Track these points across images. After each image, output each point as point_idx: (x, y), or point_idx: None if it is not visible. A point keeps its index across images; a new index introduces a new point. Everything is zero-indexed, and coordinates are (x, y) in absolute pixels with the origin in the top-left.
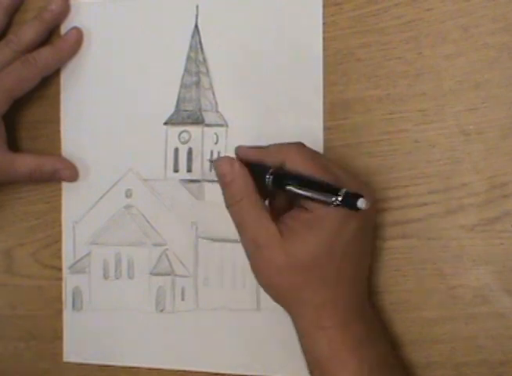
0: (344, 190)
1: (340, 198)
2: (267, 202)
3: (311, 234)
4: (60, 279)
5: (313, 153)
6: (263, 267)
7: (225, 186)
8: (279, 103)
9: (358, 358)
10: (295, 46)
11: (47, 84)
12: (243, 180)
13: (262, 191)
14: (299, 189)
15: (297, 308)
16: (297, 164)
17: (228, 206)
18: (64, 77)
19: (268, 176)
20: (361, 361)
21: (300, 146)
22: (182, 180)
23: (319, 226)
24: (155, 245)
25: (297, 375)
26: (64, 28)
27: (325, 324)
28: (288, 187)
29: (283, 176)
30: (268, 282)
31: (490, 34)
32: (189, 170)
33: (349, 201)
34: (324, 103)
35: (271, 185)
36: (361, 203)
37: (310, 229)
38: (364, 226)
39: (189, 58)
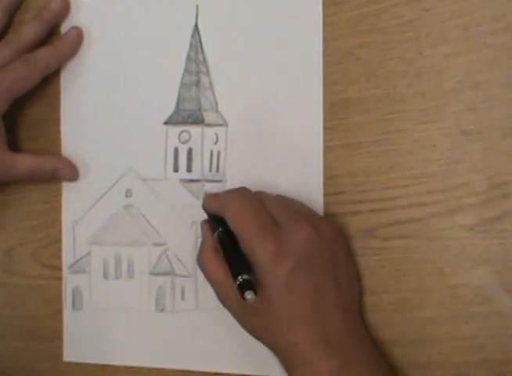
0: (240, 279)
1: (237, 283)
2: None
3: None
4: (60, 278)
5: (248, 206)
6: (232, 313)
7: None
8: (279, 102)
9: None
10: (295, 46)
11: (47, 84)
12: (203, 236)
13: None
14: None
15: (270, 348)
16: (231, 217)
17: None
18: (64, 76)
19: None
20: None
21: (236, 194)
22: (181, 180)
23: (257, 270)
24: (155, 245)
25: None
26: (64, 28)
27: (294, 363)
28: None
29: (222, 239)
30: (240, 324)
31: (490, 34)
32: (189, 170)
33: (240, 291)
34: (324, 103)
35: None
36: (247, 295)
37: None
38: (306, 262)
39: (188, 57)
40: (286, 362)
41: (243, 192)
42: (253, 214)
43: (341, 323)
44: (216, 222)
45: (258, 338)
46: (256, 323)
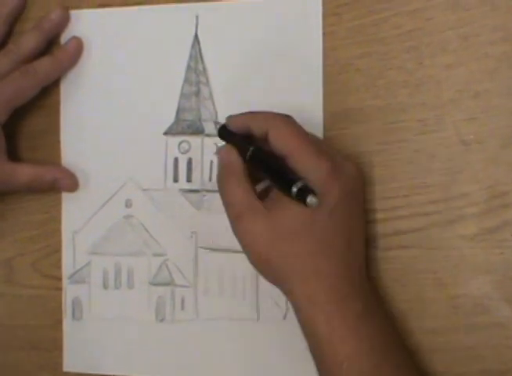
0: (299, 184)
1: (294, 190)
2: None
3: (291, 206)
4: (60, 289)
5: (298, 128)
6: (249, 241)
7: (218, 167)
8: (279, 112)
9: (357, 335)
10: (295, 56)
11: (47, 94)
12: (230, 159)
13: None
14: (266, 176)
15: (290, 282)
16: (279, 137)
17: (217, 183)
18: (64, 86)
19: (247, 156)
20: (361, 339)
21: (286, 118)
22: (181, 190)
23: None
24: (155, 255)
25: None
26: (64, 38)
27: (319, 299)
28: (251, 156)
29: (257, 157)
30: (256, 256)
31: (490, 44)
32: (189, 180)
33: (301, 196)
34: (324, 113)
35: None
36: (310, 200)
37: (291, 201)
38: (346, 201)
39: (188, 68)
40: (307, 298)
41: (291, 117)
42: (307, 137)
43: (362, 268)
44: (244, 143)
45: (281, 270)
46: (286, 249)
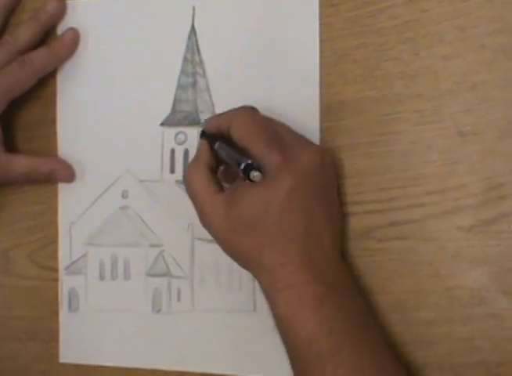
0: (246, 162)
1: (241, 168)
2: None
3: (246, 196)
4: (56, 280)
5: (254, 119)
6: (212, 233)
7: None
8: (276, 104)
9: (317, 318)
10: (291, 47)
11: (43, 85)
12: (198, 152)
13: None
14: (220, 155)
15: (254, 270)
16: (237, 129)
17: (183, 178)
18: (60, 77)
19: (214, 149)
20: (320, 321)
21: (247, 110)
22: (178, 181)
23: (254, 188)
24: (151, 246)
25: None
26: (61, 29)
27: (279, 286)
28: (215, 148)
29: (223, 150)
30: (223, 247)
31: (487, 35)
32: None
33: (246, 172)
34: (320, 104)
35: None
36: (252, 175)
37: (246, 191)
38: (301, 185)
39: (185, 59)
40: (269, 285)
41: (250, 107)
42: (261, 127)
43: (328, 250)
44: (215, 139)
45: (244, 259)
46: (244, 240)
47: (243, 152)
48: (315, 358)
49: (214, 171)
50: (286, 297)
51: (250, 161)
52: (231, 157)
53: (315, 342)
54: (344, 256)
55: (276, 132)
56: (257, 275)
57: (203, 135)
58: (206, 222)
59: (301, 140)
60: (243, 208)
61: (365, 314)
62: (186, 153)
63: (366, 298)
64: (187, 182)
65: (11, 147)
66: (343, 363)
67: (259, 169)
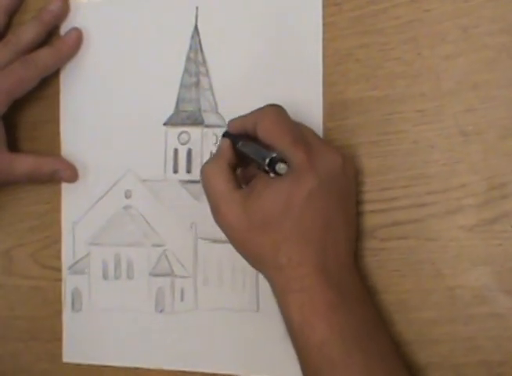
0: (272, 155)
1: (267, 161)
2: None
3: (267, 192)
4: (60, 279)
5: (280, 118)
6: (226, 230)
7: None
8: (279, 103)
9: (328, 323)
10: (294, 47)
11: (46, 85)
12: (220, 149)
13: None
14: (244, 151)
15: (267, 269)
16: (263, 128)
17: (200, 173)
18: (63, 77)
19: (237, 147)
20: (331, 327)
21: (273, 108)
22: (181, 181)
23: (274, 185)
24: (154, 246)
25: None
26: (63, 29)
27: (292, 287)
28: (238, 148)
29: (246, 147)
30: (234, 244)
31: (489, 35)
32: (189, 171)
33: (272, 165)
34: (323, 104)
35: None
36: (278, 167)
37: (266, 187)
38: (323, 188)
39: (188, 58)
40: (282, 286)
41: (277, 106)
42: (288, 125)
43: (343, 256)
44: (238, 139)
45: (258, 259)
46: (261, 238)
47: (268, 149)
48: (325, 364)
49: (233, 169)
50: (299, 300)
51: (275, 154)
52: (256, 152)
53: (326, 348)
54: (358, 238)
55: (301, 132)
56: (270, 275)
57: (226, 135)
58: (221, 220)
59: (325, 143)
60: (262, 203)
61: (376, 322)
62: (189, 152)
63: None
64: (204, 177)
65: (14, 147)
66: (353, 369)
67: (285, 162)
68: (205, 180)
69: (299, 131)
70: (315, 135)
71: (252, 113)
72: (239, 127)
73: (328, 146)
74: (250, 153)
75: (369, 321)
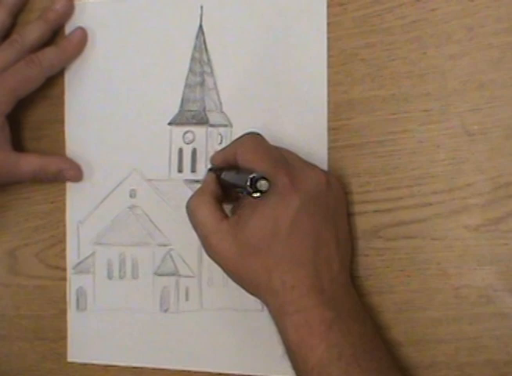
0: (252, 175)
1: (248, 182)
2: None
3: (253, 219)
4: (64, 279)
5: (258, 144)
6: (218, 260)
7: None
8: (284, 103)
9: (326, 342)
10: (299, 46)
11: (51, 85)
12: (204, 183)
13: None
14: (228, 180)
15: (262, 294)
16: (243, 155)
17: (186, 207)
18: (68, 77)
19: (221, 177)
20: (329, 346)
21: (251, 135)
22: (186, 180)
23: (260, 210)
24: (159, 245)
25: None
26: (68, 28)
27: (288, 310)
28: (222, 178)
29: (229, 177)
30: (227, 273)
31: (494, 34)
32: (194, 170)
33: (254, 185)
34: (328, 103)
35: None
36: (259, 184)
37: (252, 214)
38: (309, 209)
39: (193, 58)
40: (278, 310)
41: (255, 133)
42: (267, 150)
43: (337, 274)
44: (222, 170)
45: (252, 284)
46: (253, 264)
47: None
48: None
49: (218, 200)
50: (295, 321)
51: (255, 174)
52: (238, 178)
53: (325, 367)
54: (352, 254)
55: (282, 155)
56: (266, 300)
57: (211, 169)
58: (212, 251)
59: (307, 164)
60: (250, 230)
61: (373, 338)
62: (194, 152)
63: (374, 298)
64: (191, 211)
65: (19, 146)
66: None
67: (265, 178)
68: (191, 214)
69: (279, 155)
70: (296, 157)
71: (231, 144)
72: (221, 159)
73: (310, 167)
74: (233, 180)
75: (367, 338)
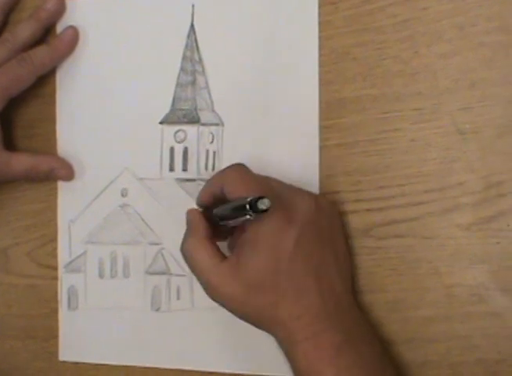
0: (249, 198)
1: (248, 206)
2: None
3: (253, 256)
4: (56, 278)
5: (244, 175)
6: (222, 302)
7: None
8: (275, 102)
9: (335, 367)
10: (291, 45)
11: (43, 83)
12: (192, 224)
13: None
14: (222, 213)
15: (269, 327)
16: (230, 188)
17: (181, 250)
18: (60, 76)
19: (214, 216)
20: (339, 370)
21: (234, 168)
22: (177, 179)
23: (257, 242)
24: (151, 244)
25: None
26: (60, 27)
27: (296, 338)
28: (215, 213)
29: (210, 208)
30: (234, 313)
31: (486, 33)
32: (185, 169)
33: (254, 204)
34: (320, 102)
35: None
36: (261, 203)
37: (251, 250)
38: (306, 237)
39: (184, 57)
40: (286, 339)
41: (240, 164)
42: (253, 180)
43: (341, 296)
44: (212, 206)
45: (258, 320)
46: (258, 302)
47: None
48: None
49: (211, 240)
50: (304, 348)
51: (251, 197)
52: (233, 207)
53: None
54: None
55: (268, 184)
56: (273, 332)
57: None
58: (215, 294)
59: (293, 189)
60: (253, 270)
61: (381, 358)
62: (186, 151)
63: (365, 296)
64: (187, 255)
65: (10, 145)
66: None
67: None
68: (188, 258)
69: (266, 184)
70: (283, 184)
71: (215, 177)
72: (207, 196)
73: (297, 192)
74: (229, 211)
75: (375, 358)
